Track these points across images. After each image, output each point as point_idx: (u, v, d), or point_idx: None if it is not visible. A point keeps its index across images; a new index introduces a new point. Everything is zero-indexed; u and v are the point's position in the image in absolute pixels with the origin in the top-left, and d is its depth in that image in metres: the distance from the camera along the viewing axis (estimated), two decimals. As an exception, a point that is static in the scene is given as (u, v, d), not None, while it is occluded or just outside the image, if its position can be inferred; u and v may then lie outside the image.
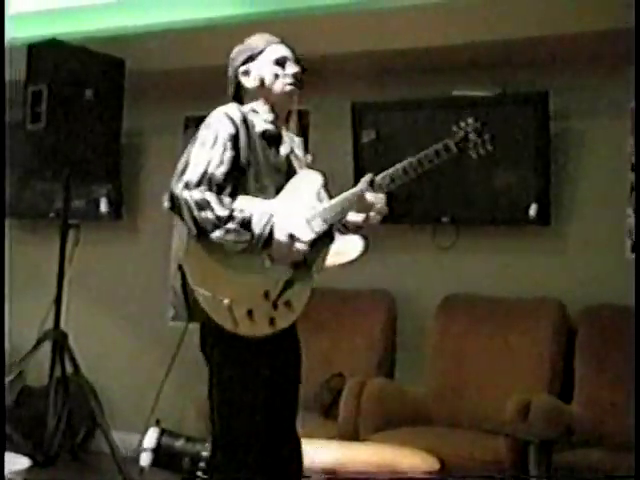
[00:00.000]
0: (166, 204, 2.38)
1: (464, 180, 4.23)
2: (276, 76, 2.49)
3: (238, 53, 2.56)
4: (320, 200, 2.50)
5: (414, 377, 4.17)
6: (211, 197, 2.30)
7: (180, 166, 2.39)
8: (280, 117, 2.55)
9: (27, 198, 5.56)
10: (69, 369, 4.55)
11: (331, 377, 4.10)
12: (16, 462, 2.74)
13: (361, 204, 2.44)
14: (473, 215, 4.25)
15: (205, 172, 2.33)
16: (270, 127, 2.49)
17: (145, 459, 4.56)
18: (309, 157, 2.71)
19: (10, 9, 4.90)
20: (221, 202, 2.31)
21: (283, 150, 2.53)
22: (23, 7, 5.01)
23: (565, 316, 3.89)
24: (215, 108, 5.46)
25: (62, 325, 4.65)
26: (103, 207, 5.29)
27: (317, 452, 3.28)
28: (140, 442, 4.11)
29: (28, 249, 5.60)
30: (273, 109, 2.51)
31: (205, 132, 2.41)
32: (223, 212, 2.30)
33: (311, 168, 2.64)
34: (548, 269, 4.11)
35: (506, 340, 3.93)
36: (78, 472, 4.44)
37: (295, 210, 2.42)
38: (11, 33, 4.95)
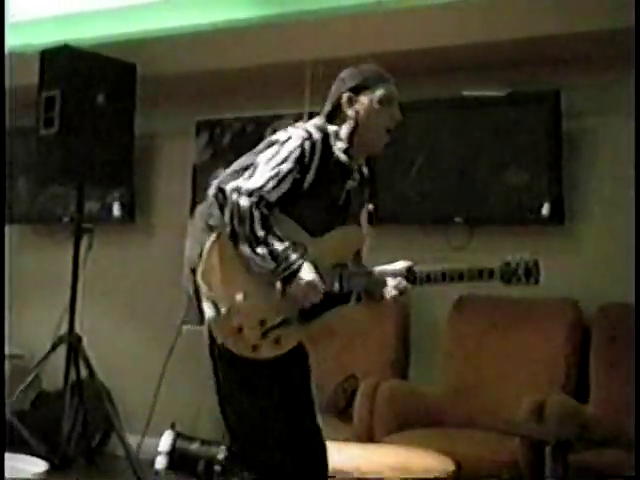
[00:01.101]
0: (212, 191, 2.33)
1: (477, 180, 4.23)
2: (378, 117, 2.45)
3: (349, 76, 2.48)
4: (352, 261, 2.49)
5: (428, 378, 4.17)
6: (256, 212, 2.26)
7: (241, 163, 2.35)
8: (361, 153, 2.49)
9: (41, 203, 5.61)
10: (84, 373, 4.58)
11: (345, 379, 4.10)
12: (34, 465, 2.76)
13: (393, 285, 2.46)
14: (486, 215, 4.24)
15: (260, 188, 2.28)
16: (346, 159, 2.43)
17: (160, 462, 4.58)
18: (370, 206, 2.68)
19: (23, 16, 4.95)
20: (263, 222, 2.27)
21: (350, 186, 2.47)
22: (36, 13, 5.05)
23: (579, 316, 3.87)
24: (226, 112, 5.48)
25: (77, 329, 4.68)
26: (116, 211, 5.32)
27: (332, 454, 3.30)
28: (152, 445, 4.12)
29: (42, 254, 5.65)
30: (358, 143, 2.45)
31: (281, 147, 2.35)
32: (260, 233, 2.26)
33: (369, 221, 2.65)
34: (562, 269, 4.07)
35: (520, 340, 3.92)
36: (94, 475, 4.45)
37: (328, 259, 2.39)
38: (24, 39, 4.99)
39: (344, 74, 2.51)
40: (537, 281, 2.48)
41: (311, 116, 4.57)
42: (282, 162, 2.32)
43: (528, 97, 4.08)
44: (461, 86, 4.26)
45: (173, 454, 4.56)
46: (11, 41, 4.94)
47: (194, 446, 4.55)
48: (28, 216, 5.70)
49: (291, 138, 2.36)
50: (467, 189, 4.25)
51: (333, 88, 2.51)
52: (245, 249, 2.28)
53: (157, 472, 4.10)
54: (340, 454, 3.30)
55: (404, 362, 4.26)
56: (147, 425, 4.16)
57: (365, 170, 2.59)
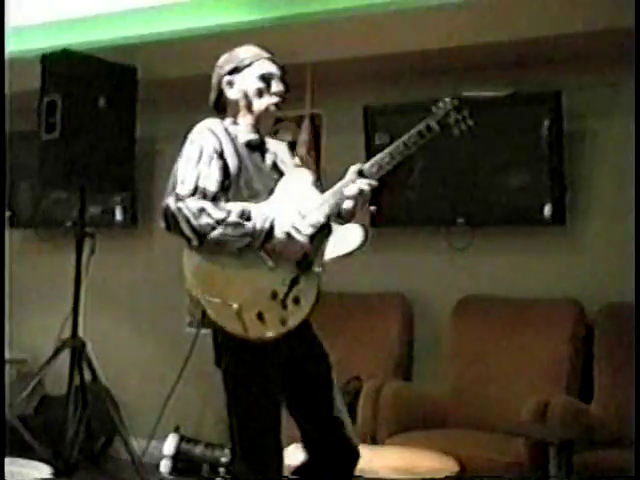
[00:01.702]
0: (162, 224, 2.40)
1: (478, 181, 4.23)
2: (259, 93, 2.51)
3: (225, 62, 2.58)
4: (313, 195, 2.53)
5: (432, 379, 4.18)
6: (206, 204, 2.33)
7: (170, 184, 2.41)
8: (262, 127, 2.57)
9: (43, 207, 5.60)
10: (88, 377, 4.58)
11: (348, 380, 4.08)
12: (37, 470, 2.76)
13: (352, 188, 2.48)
14: (488, 216, 4.24)
15: (196, 186, 2.36)
16: (253, 137, 2.53)
17: (165, 466, 4.59)
18: (296, 160, 2.74)
19: (24, 21, 4.95)
20: (217, 207, 2.34)
21: (268, 158, 2.56)
22: (36, 19, 5.06)
23: (582, 316, 3.87)
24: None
25: (80, 333, 4.68)
26: (118, 215, 5.32)
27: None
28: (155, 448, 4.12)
29: (45, 258, 5.65)
30: (254, 121, 2.55)
31: (190, 147, 2.44)
32: (220, 214, 2.32)
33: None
34: (564, 269, 4.09)
35: (523, 341, 3.92)
36: (98, 479, 4.45)
37: (290, 207, 2.44)
38: (25, 45, 4.99)
39: (219, 62, 2.60)
40: (471, 120, 2.57)
41: (312, 117, 4.61)
42: (199, 157, 2.40)
43: (529, 98, 4.07)
44: (462, 87, 4.24)
45: (177, 457, 4.57)
46: (12, 47, 4.95)
47: (198, 449, 4.56)
48: (31, 220, 5.70)
49: (195, 137, 2.46)
50: (469, 190, 4.25)
51: (213, 77, 2.59)
52: (217, 232, 2.31)
53: (162, 477, 4.10)
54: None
55: (407, 363, 4.27)
56: (154, 429, 4.15)
57: (279, 142, 2.69)
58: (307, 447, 2.55)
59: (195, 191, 2.34)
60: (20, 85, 4.83)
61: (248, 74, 2.52)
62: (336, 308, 4.37)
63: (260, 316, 2.33)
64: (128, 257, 5.38)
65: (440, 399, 4.01)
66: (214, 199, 2.35)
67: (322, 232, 2.46)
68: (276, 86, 2.52)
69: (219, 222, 2.31)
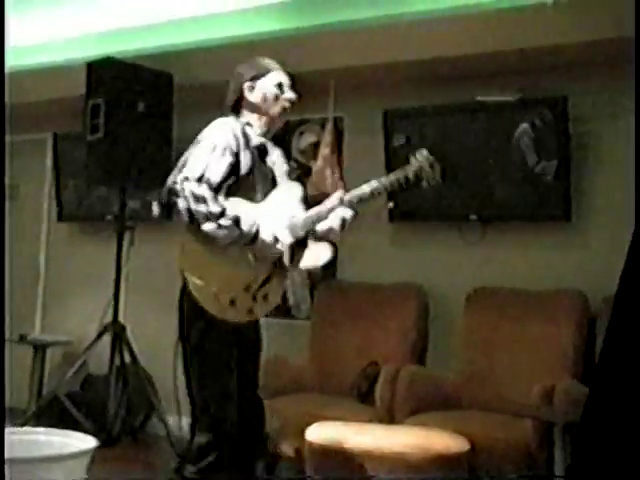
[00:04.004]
0: (162, 198, 2.51)
1: (490, 180, 4.21)
2: (276, 97, 2.68)
3: (246, 69, 2.73)
4: (299, 210, 2.64)
5: (445, 365, 4.15)
6: (207, 193, 2.44)
7: (180, 164, 2.53)
8: (270, 131, 2.72)
9: (87, 203, 5.65)
10: (127, 358, 4.63)
11: (367, 365, 4.09)
12: (84, 441, 2.80)
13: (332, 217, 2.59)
14: (498, 212, 4.22)
15: (203, 175, 2.47)
16: (263, 140, 2.67)
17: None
18: (286, 167, 2.83)
19: (70, 32, 5.00)
20: (215, 199, 2.45)
21: (269, 161, 2.68)
22: (82, 30, 5.11)
23: (586, 306, 3.84)
24: None
25: (120, 318, 4.74)
26: (155, 210, 5.34)
27: (358, 434, 3.31)
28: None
29: (89, 250, 5.69)
30: (266, 124, 2.69)
31: (206, 139, 2.57)
32: (216, 208, 2.43)
33: (290, 177, 2.80)
34: (570, 262, 4.07)
35: (531, 329, 3.90)
36: (137, 451, 4.50)
37: (278, 216, 2.57)
38: (72, 54, 5.04)
39: (239, 69, 2.75)
40: (440, 178, 2.67)
41: (335, 120, 4.61)
42: (213, 150, 2.52)
43: (538, 102, 4.04)
44: (475, 92, 4.25)
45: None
46: (59, 56, 5.01)
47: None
48: (76, 215, 5.75)
49: (212, 131, 2.59)
50: (480, 188, 4.24)
51: (232, 83, 2.73)
52: (208, 226, 2.43)
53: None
54: (364, 434, 3.32)
55: (422, 350, 4.25)
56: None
57: (275, 147, 2.78)
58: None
59: (201, 179, 2.45)
60: (68, 90, 4.89)
61: (267, 81, 2.69)
62: (356, 297, 4.39)
63: (232, 302, 2.49)
64: (164, 248, 5.41)
65: (453, 383, 3.98)
66: (216, 191, 2.47)
67: (299, 244, 2.58)
68: (289, 93, 2.69)
69: (213, 215, 2.41)
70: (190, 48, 4.77)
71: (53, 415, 4.55)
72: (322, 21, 4.47)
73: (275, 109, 2.69)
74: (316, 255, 2.61)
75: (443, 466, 3.17)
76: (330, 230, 2.59)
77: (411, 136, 4.43)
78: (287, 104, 2.70)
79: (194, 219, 2.44)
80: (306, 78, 4.59)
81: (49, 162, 5.83)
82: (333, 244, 2.63)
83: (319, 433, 3.34)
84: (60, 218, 5.81)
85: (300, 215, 2.60)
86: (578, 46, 3.75)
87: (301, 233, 2.58)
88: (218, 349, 2.58)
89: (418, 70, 4.31)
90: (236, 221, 2.45)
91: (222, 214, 2.43)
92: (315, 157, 4.59)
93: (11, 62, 5.54)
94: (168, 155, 4.80)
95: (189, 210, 2.42)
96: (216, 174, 2.49)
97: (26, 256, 5.98)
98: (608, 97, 3.97)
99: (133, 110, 4.58)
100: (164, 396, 4.71)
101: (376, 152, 4.50)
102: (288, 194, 2.65)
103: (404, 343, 4.20)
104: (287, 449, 3.49)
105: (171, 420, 4.32)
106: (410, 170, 2.59)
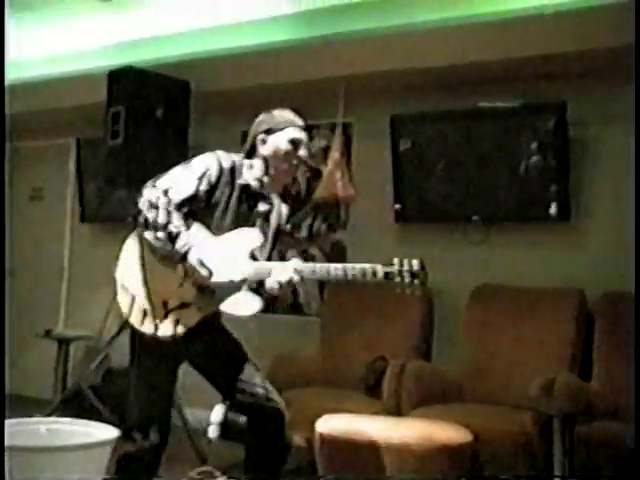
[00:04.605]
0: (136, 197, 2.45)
1: (492, 182, 4.22)
2: (286, 155, 2.52)
3: (262, 121, 2.58)
4: (244, 257, 2.46)
5: (449, 359, 4.17)
6: (162, 204, 2.38)
7: (161, 175, 2.47)
8: (276, 183, 2.57)
9: (107, 204, 5.66)
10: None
11: (375, 360, 4.10)
12: (107, 431, 2.86)
13: (277, 277, 2.39)
14: (500, 214, 4.23)
15: (168, 188, 2.40)
16: (254, 184, 2.52)
17: (213, 432, 4.65)
18: (397, 206, 2.66)
19: (93, 43, 5.04)
20: (168, 213, 2.38)
21: (261, 207, 2.54)
22: (103, 40, 5.15)
23: (584, 303, 3.85)
24: None
25: (140, 315, 4.77)
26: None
27: (366, 426, 3.34)
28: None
29: (109, 249, 5.65)
30: (272, 177, 2.54)
31: (194, 160, 2.49)
32: (162, 220, 2.37)
33: (275, 239, 2.62)
34: (568, 261, 4.07)
35: (531, 325, 3.91)
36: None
37: (220, 251, 2.43)
38: (93, 63, 5.09)
39: (260, 118, 2.60)
40: (424, 283, 2.33)
41: (344, 125, 4.64)
42: (191, 173, 2.44)
43: (538, 108, 4.05)
44: (478, 98, 4.26)
45: (224, 424, 4.63)
46: (81, 65, 5.06)
47: (243, 418, 4.61)
48: (97, 216, 5.78)
49: (204, 157, 2.49)
50: (483, 190, 4.25)
51: (250, 129, 2.59)
52: (148, 234, 2.41)
53: (210, 440, 4.16)
54: (372, 426, 3.35)
55: (427, 345, 4.26)
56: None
57: (281, 207, 2.62)
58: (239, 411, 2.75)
59: (166, 192, 2.40)
60: (90, 98, 4.93)
61: (280, 136, 2.52)
62: (365, 295, 4.40)
63: (144, 313, 2.49)
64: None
65: (457, 377, 3.99)
66: (177, 207, 2.40)
67: (234, 286, 2.44)
68: (302, 151, 2.54)
69: (157, 224, 2.37)
70: (206, 57, 4.79)
71: (76, 406, 4.56)
72: (332, 31, 4.49)
73: (283, 165, 2.53)
74: (245, 303, 2.44)
75: (447, 456, 3.19)
76: (270, 288, 2.39)
77: (417, 140, 4.45)
78: (296, 162, 2.54)
79: (142, 222, 2.41)
80: (316, 85, 4.65)
81: (72, 166, 5.88)
82: (264, 301, 2.44)
83: (329, 424, 3.37)
84: (83, 219, 5.85)
85: (243, 261, 2.44)
86: (576, 54, 3.77)
87: (235, 279, 2.41)
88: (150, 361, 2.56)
89: (424, 77, 4.33)
90: (172, 237, 2.37)
91: (165, 227, 2.37)
92: (325, 160, 4.62)
93: (36, 72, 5.63)
94: (183, 159, 4.83)
95: (139, 213, 2.40)
96: (179, 194, 2.40)
97: (50, 255, 6.04)
98: (605, 103, 3.98)
99: (151, 116, 4.61)
100: (182, 389, 4.76)
101: (384, 156, 4.53)
102: (246, 237, 2.49)
103: (410, 339, 4.22)
104: (298, 440, 3.50)
105: (188, 411, 4.36)
106: (381, 269, 2.31)
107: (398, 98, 4.57)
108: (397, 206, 4.52)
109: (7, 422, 2.92)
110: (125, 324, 4.60)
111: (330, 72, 4.51)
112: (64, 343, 5.32)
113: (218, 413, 4.57)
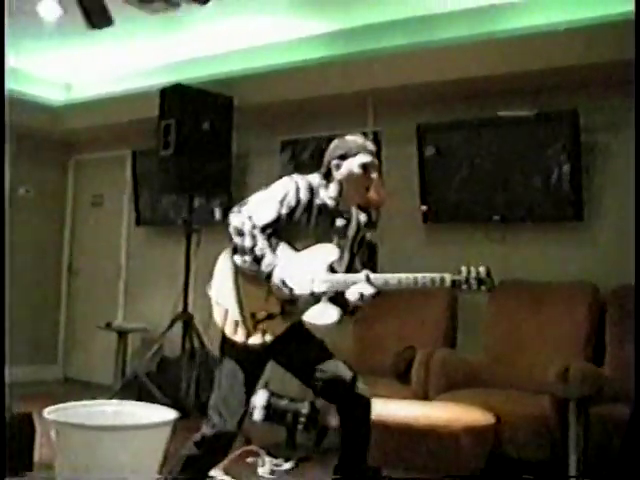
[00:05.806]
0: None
1: (511, 185, 4.22)
2: (358, 178, 2.55)
3: (336, 147, 2.60)
4: (323, 270, 2.49)
5: (473, 348, 4.15)
6: (247, 229, 2.43)
7: (245, 200, 2.52)
8: (350, 201, 2.60)
9: (160, 209, 5.74)
10: (196, 343, 4.76)
11: (404, 349, 4.12)
12: (165, 414, 2.96)
13: (354, 289, 2.42)
14: (519, 214, 4.22)
15: (251, 213, 2.45)
16: (330, 203, 2.56)
17: (257, 414, 4.73)
18: (424, 207, 2.63)
19: (146, 65, 5.11)
20: (253, 237, 2.43)
21: (339, 222, 2.58)
22: (155, 61, 5.27)
23: (597, 297, 3.84)
24: (305, 133, 5.53)
25: (189, 308, 4.88)
26: (217, 214, 5.39)
27: (397, 409, 3.38)
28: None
29: (162, 250, 5.79)
30: (346, 198, 2.57)
31: (274, 186, 2.52)
32: (248, 244, 2.42)
33: (353, 249, 2.65)
34: (582, 257, 4.06)
35: (548, 317, 3.90)
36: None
37: (302, 266, 2.47)
38: (147, 82, 5.19)
39: (334, 144, 2.61)
40: (490, 290, 2.32)
41: (375, 135, 4.68)
42: (272, 199, 2.48)
43: (552, 116, 4.05)
44: (497, 108, 4.28)
45: (267, 408, 4.71)
46: (136, 84, 5.15)
47: (284, 402, 4.68)
48: (151, 220, 5.84)
49: (283, 182, 2.52)
50: (503, 193, 4.25)
51: (326, 154, 2.61)
52: (236, 258, 2.47)
53: (254, 422, 4.23)
54: (402, 410, 3.39)
55: (453, 335, 4.26)
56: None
57: (359, 216, 2.67)
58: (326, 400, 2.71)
59: (250, 217, 2.44)
60: (144, 113, 5.05)
61: (353, 161, 2.54)
62: (395, 290, 4.43)
63: (236, 324, 2.50)
64: (226, 247, 5.52)
65: (479, 364, 3.97)
66: (262, 230, 2.45)
67: (313, 298, 2.48)
68: (373, 174, 2.57)
69: (244, 248, 2.43)
70: (247, 74, 4.88)
71: (134, 391, 4.66)
72: (362, 48, 4.55)
73: (356, 187, 2.55)
74: (324, 313, 2.48)
75: (472, 437, 3.22)
76: (349, 299, 2.42)
77: (441, 147, 4.48)
78: (367, 184, 2.55)
79: (234, 246, 2.48)
80: (347, 97, 4.70)
81: (128, 175, 5.96)
82: (344, 311, 2.49)
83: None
84: (138, 223, 5.93)
85: (321, 275, 2.47)
86: (587, 67, 3.78)
87: (315, 290, 2.45)
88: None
89: (447, 89, 4.35)
90: (257, 259, 2.44)
91: (251, 250, 2.42)
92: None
93: (95, 91, 5.77)
94: (228, 167, 4.93)
95: (230, 239, 2.48)
96: (261, 219, 2.46)
97: (109, 256, 6.15)
98: (614, 111, 3.97)
99: (199, 129, 4.71)
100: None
101: (411, 162, 4.56)
102: (323, 253, 2.53)
103: (437, 329, 4.23)
104: (334, 421, 3.56)
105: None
106: (449, 277, 2.32)
107: (423, 108, 4.60)
108: (423, 208, 4.54)
109: (75, 404, 3.04)
110: (176, 318, 4.73)
111: (359, 86, 4.56)
112: (123, 335, 5.42)
113: (262, 397, 4.67)
